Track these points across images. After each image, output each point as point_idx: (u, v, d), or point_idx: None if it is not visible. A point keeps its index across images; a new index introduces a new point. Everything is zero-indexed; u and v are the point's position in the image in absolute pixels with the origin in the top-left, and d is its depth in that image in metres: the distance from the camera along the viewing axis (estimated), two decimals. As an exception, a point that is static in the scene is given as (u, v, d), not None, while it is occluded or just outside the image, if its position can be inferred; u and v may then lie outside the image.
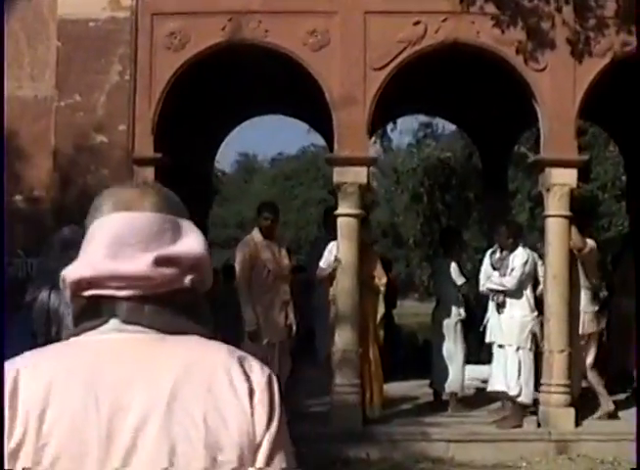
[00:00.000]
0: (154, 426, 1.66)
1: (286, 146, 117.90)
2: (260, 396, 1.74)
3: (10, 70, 10.33)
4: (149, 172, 10.16)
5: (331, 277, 10.49)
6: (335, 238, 10.63)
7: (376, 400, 10.69)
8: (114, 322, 1.75)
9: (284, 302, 10.13)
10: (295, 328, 10.23)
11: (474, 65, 11.29)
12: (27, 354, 1.75)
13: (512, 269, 10.54)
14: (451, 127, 28.42)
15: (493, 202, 15.08)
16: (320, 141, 18.67)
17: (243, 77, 12.39)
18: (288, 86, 12.54)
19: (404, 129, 30.40)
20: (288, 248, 10.72)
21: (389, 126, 24.86)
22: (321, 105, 10.50)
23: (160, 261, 1.75)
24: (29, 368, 1.69)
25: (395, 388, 12.49)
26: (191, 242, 1.81)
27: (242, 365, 1.75)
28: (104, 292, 1.75)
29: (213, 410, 1.70)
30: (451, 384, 11.47)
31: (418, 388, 13.02)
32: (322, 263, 10.68)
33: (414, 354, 15.79)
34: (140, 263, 1.75)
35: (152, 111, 10.22)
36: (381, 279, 10.75)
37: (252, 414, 1.72)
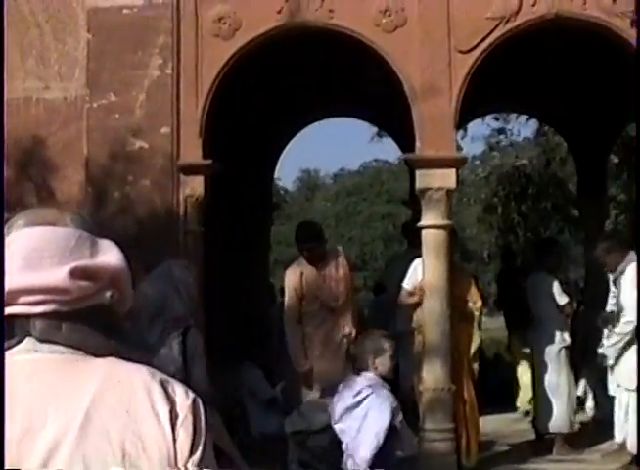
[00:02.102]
0: (65, 451, 1.56)
1: (347, 161, 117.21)
2: (184, 420, 1.63)
3: (36, 68, 8.96)
4: (197, 182, 8.72)
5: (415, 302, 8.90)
6: (418, 254, 9.11)
7: (472, 448, 9.05)
8: (27, 341, 1.66)
9: (344, 335, 8.48)
10: None
11: (579, 43, 9.60)
12: None
13: (619, 296, 8.84)
14: (526, 133, 26.77)
15: (589, 209, 13.32)
16: (383, 155, 17.17)
17: (303, 69, 10.84)
18: (356, 79, 10.97)
19: (475, 136, 28.77)
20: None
21: (459, 134, 23.21)
22: (397, 98, 8.92)
23: (76, 273, 1.67)
24: None
25: (487, 423, 10.84)
26: (109, 257, 1.73)
27: (164, 388, 1.65)
28: (17, 310, 1.65)
29: (132, 434, 1.59)
30: (556, 422, 9.81)
31: (512, 423, 11.47)
32: (406, 284, 9.05)
33: (501, 382, 14.19)
34: (56, 275, 1.66)
35: (199, 110, 8.76)
36: (475, 302, 9.08)
37: (175, 440, 1.61)
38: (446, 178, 8.70)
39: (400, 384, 10.74)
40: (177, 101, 8.77)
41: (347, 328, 8.54)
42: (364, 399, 5.86)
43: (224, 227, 11.06)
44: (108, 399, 1.60)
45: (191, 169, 8.74)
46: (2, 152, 7.67)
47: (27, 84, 9.00)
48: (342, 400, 5.92)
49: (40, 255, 1.67)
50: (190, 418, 1.63)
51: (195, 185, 8.70)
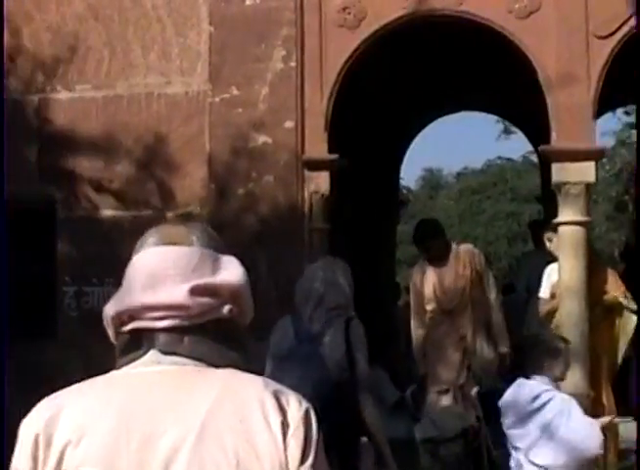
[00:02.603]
0: (184, 457, 1.69)
1: (470, 160, 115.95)
2: (295, 430, 1.72)
3: (157, 63, 8.78)
4: (323, 178, 8.40)
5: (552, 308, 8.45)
6: (546, 253, 8.70)
7: (611, 457, 8.49)
8: (152, 354, 1.79)
9: (460, 337, 8.07)
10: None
11: None
12: (69, 389, 1.80)
13: None
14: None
15: None
16: (509, 152, 16.65)
17: (431, 60, 10.43)
18: (486, 69, 10.52)
19: (603, 131, 27.89)
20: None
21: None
22: (530, 88, 8.47)
23: (196, 291, 1.78)
24: (68, 401, 1.76)
25: (626, 430, 10.24)
26: (230, 274, 1.84)
27: (277, 399, 1.74)
28: (143, 324, 1.79)
29: (245, 442, 1.69)
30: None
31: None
32: (542, 293, 8.58)
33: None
34: (177, 293, 1.78)
35: (324, 103, 8.45)
36: (620, 287, 8.46)
37: (286, 448, 1.71)
38: (585, 172, 8.20)
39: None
40: (301, 94, 8.46)
41: (463, 330, 8.09)
42: (545, 403, 5.51)
43: (350, 225, 10.74)
44: (224, 408, 1.71)
45: (316, 165, 8.43)
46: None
47: (149, 80, 8.83)
48: (517, 406, 5.57)
49: (164, 273, 1.79)
50: (301, 428, 1.72)
51: (320, 181, 8.39)
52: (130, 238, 6.86)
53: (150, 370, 1.77)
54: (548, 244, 8.53)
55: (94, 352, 8.81)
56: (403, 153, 13.90)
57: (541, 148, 8.58)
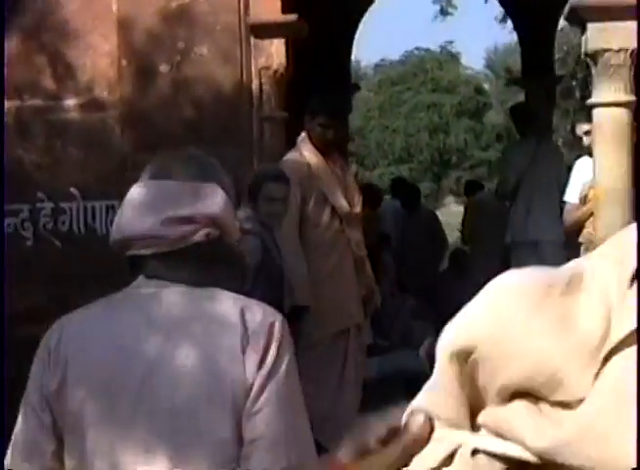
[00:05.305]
0: (161, 366, 2.05)
1: (388, 52, 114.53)
2: (253, 342, 2.04)
3: None
4: (276, 48, 6.25)
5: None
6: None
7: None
8: (140, 278, 2.16)
9: (357, 259, 6.12)
10: (379, 302, 6.35)
11: None
12: (74, 312, 2.21)
13: None
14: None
15: None
16: (426, 44, 14.57)
17: None
18: None
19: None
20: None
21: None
22: None
23: (168, 221, 2.09)
24: (71, 323, 2.17)
25: None
26: (209, 203, 2.12)
27: (242, 314, 2.07)
28: (132, 252, 2.14)
29: (210, 357, 2.03)
30: None
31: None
32: (568, 196, 6.70)
33: None
34: (151, 224, 2.09)
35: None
36: None
37: (244, 360, 2.02)
38: (628, 37, 6.13)
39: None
40: None
41: (361, 251, 6.16)
42: None
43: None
44: (193, 325, 2.07)
45: (267, 30, 6.25)
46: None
47: None
48: None
49: (142, 207, 2.11)
50: (262, 339, 2.04)
51: (273, 53, 6.22)
52: (14, 137, 4.34)
53: (135, 292, 2.14)
54: (585, 139, 6.64)
55: None
56: (357, 24, 11.62)
57: (573, 2, 6.38)
